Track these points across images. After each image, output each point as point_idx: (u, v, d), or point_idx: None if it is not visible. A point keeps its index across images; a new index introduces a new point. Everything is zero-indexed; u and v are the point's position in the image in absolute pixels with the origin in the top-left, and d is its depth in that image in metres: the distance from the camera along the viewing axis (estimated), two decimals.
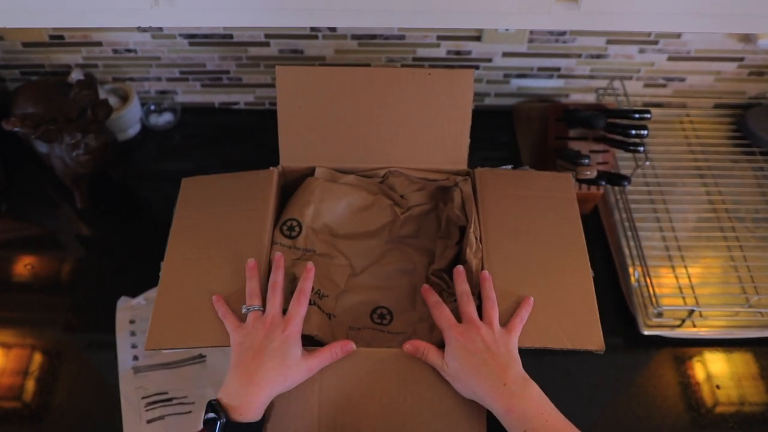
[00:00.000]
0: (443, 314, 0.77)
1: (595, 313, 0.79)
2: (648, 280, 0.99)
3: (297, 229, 0.89)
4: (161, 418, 0.89)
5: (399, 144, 0.92)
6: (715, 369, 0.96)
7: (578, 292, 0.80)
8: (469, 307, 0.77)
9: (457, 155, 0.93)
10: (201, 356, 0.94)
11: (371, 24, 0.67)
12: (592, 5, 0.62)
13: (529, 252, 0.84)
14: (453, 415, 0.73)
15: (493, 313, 0.76)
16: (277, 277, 0.79)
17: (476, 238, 0.85)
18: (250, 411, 0.68)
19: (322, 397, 0.74)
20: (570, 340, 0.76)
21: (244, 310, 0.77)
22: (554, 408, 0.69)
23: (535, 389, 0.70)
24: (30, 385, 0.92)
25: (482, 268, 0.83)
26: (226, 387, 0.70)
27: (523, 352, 0.74)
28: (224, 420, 0.66)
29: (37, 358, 0.95)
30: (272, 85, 1.24)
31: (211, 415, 0.67)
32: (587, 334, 0.77)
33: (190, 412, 0.89)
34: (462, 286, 0.79)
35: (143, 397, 0.90)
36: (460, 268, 0.82)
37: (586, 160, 1.02)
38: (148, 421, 0.88)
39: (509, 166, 0.99)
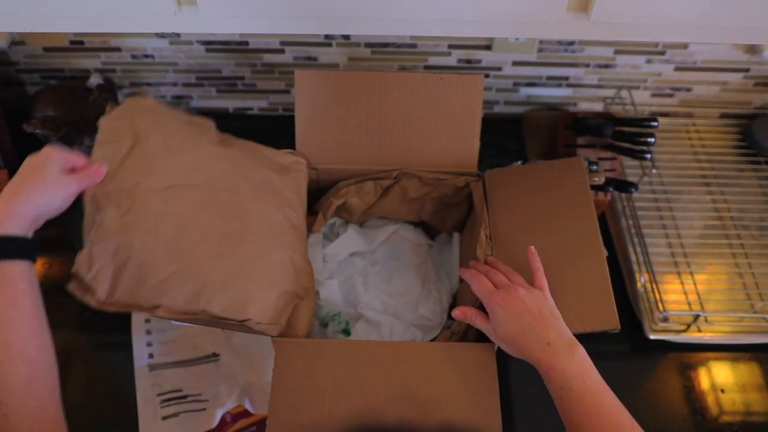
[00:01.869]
0: (481, 283, 0.77)
1: (608, 292, 0.78)
2: (654, 286, 1.00)
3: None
4: (176, 415, 0.90)
5: (411, 146, 0.94)
6: (719, 374, 0.98)
7: (591, 274, 0.80)
8: (499, 276, 0.78)
9: (468, 158, 0.95)
10: (215, 355, 0.96)
11: (384, 32, 0.69)
12: (602, 16, 0.64)
13: (540, 242, 0.83)
14: (466, 399, 0.73)
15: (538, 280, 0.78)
16: None
17: (486, 237, 0.87)
18: (4, 221, 0.68)
19: (335, 382, 0.74)
20: (581, 324, 0.76)
21: None
22: (595, 371, 0.69)
23: (579, 351, 0.70)
24: None
25: None
26: None
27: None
28: None
29: None
30: (286, 92, 1.26)
31: None
32: (601, 314, 0.76)
33: (204, 409, 0.91)
34: (482, 266, 0.81)
35: (158, 394, 0.92)
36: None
37: (594, 167, 1.04)
38: (164, 418, 0.90)
39: (519, 163, 1.00)
